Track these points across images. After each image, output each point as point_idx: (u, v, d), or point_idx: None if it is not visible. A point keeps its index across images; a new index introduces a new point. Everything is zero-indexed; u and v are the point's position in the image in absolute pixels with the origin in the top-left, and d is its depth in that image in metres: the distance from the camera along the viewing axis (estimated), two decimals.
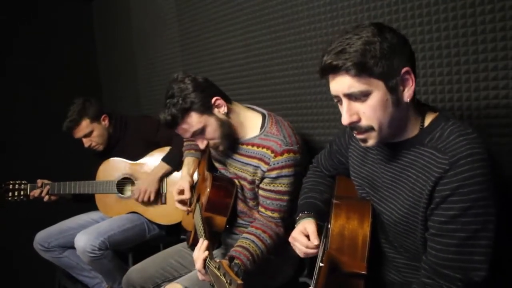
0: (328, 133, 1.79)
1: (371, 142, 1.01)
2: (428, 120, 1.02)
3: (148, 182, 2.15)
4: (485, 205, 0.88)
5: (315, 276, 1.08)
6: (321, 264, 1.02)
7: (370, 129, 0.98)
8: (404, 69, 0.94)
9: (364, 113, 0.96)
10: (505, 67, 1.23)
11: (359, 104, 0.96)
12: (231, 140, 1.57)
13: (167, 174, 2.18)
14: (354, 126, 0.99)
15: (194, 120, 1.52)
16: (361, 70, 0.92)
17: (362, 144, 1.04)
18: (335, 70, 0.94)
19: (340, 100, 0.99)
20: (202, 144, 1.57)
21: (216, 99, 1.53)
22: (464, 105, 1.33)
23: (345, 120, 0.98)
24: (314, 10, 1.76)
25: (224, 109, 1.54)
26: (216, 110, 1.54)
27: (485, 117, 1.29)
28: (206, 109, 1.52)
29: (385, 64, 0.92)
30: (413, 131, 1.03)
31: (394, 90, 0.95)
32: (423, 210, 0.96)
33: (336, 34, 1.02)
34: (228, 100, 1.59)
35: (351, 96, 0.96)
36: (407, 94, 0.96)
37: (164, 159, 2.17)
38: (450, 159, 0.91)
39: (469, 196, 0.88)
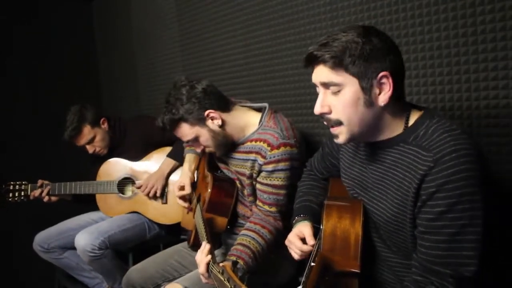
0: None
1: (341, 138, 1.04)
2: (412, 119, 1.03)
3: (156, 177, 2.16)
4: (471, 200, 0.89)
5: (305, 277, 1.07)
6: (312, 264, 1.02)
7: (339, 123, 1.02)
8: (382, 74, 0.96)
9: (334, 105, 1.01)
10: (505, 67, 1.23)
11: (333, 97, 1.01)
12: (227, 148, 1.58)
13: (173, 170, 2.19)
14: (324, 117, 1.04)
15: (185, 130, 1.55)
16: (337, 64, 0.96)
17: (335, 141, 1.07)
18: (314, 60, 1.00)
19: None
20: (198, 149, 1.64)
21: (209, 113, 1.52)
22: (464, 105, 1.33)
23: (317, 109, 1.03)
24: (314, 10, 1.77)
25: (218, 122, 1.53)
26: (209, 122, 1.53)
27: (485, 117, 1.29)
28: (198, 121, 1.52)
29: (362, 64, 0.95)
30: (396, 130, 1.03)
31: (367, 91, 0.97)
32: (410, 208, 0.97)
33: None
34: (226, 108, 1.56)
35: (327, 86, 1.00)
36: (383, 98, 0.98)
37: (169, 155, 2.17)
38: (434, 156, 0.91)
39: (455, 192, 0.88)
